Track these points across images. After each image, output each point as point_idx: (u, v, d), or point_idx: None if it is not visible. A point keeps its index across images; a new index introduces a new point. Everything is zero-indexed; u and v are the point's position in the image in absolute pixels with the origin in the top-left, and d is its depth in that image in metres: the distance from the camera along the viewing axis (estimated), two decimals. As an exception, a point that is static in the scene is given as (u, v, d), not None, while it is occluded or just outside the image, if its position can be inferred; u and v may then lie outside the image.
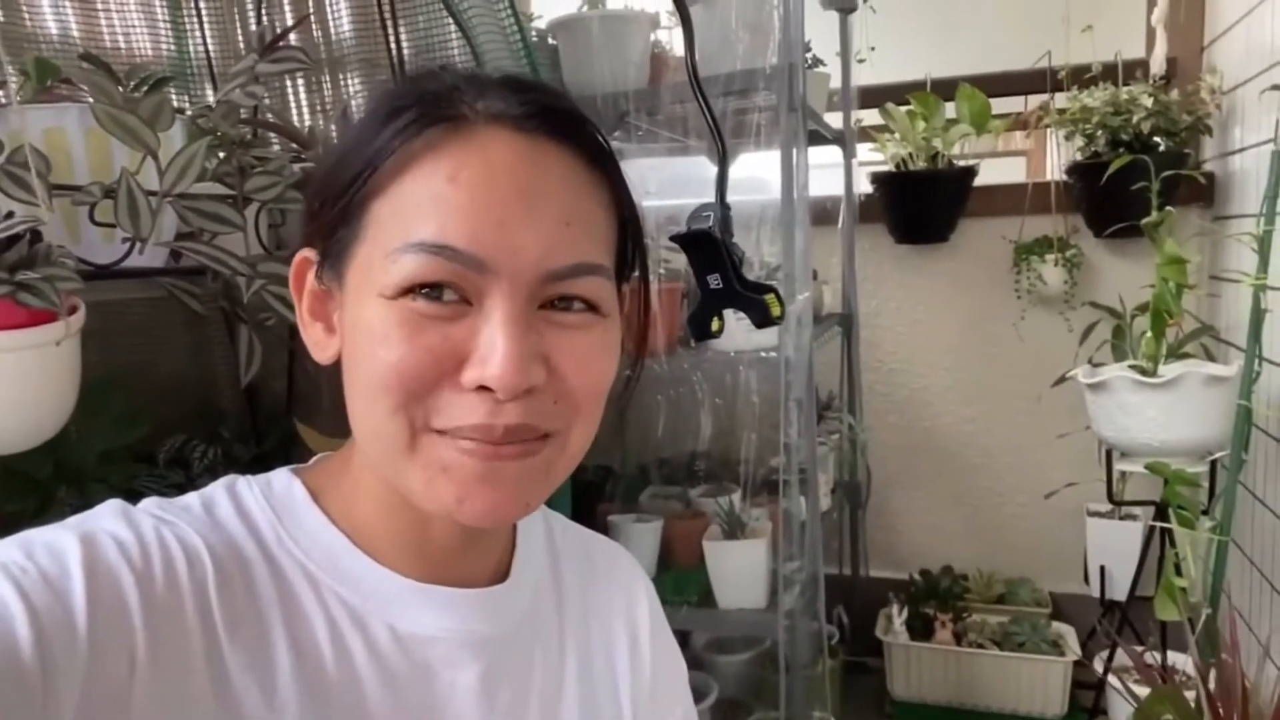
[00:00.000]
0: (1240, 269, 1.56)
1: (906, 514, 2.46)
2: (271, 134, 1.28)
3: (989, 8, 3.19)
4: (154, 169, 0.88)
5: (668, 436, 1.82)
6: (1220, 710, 1.35)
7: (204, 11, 1.40)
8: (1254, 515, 1.77)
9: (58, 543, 0.47)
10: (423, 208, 0.49)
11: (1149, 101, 1.95)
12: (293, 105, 1.49)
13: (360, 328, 0.51)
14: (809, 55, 1.81)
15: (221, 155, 1.00)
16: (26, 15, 1.26)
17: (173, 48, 1.40)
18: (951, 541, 2.43)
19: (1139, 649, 1.78)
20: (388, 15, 1.36)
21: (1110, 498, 1.84)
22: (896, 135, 2.21)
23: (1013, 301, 2.27)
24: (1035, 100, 2.24)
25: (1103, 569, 1.98)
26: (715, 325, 0.89)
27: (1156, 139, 1.97)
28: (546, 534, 0.68)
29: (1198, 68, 2.11)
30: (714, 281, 0.87)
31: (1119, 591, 1.94)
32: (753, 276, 1.05)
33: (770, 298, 0.86)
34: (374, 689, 0.53)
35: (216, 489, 0.57)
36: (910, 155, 2.20)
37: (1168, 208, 1.66)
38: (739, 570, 1.66)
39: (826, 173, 2.20)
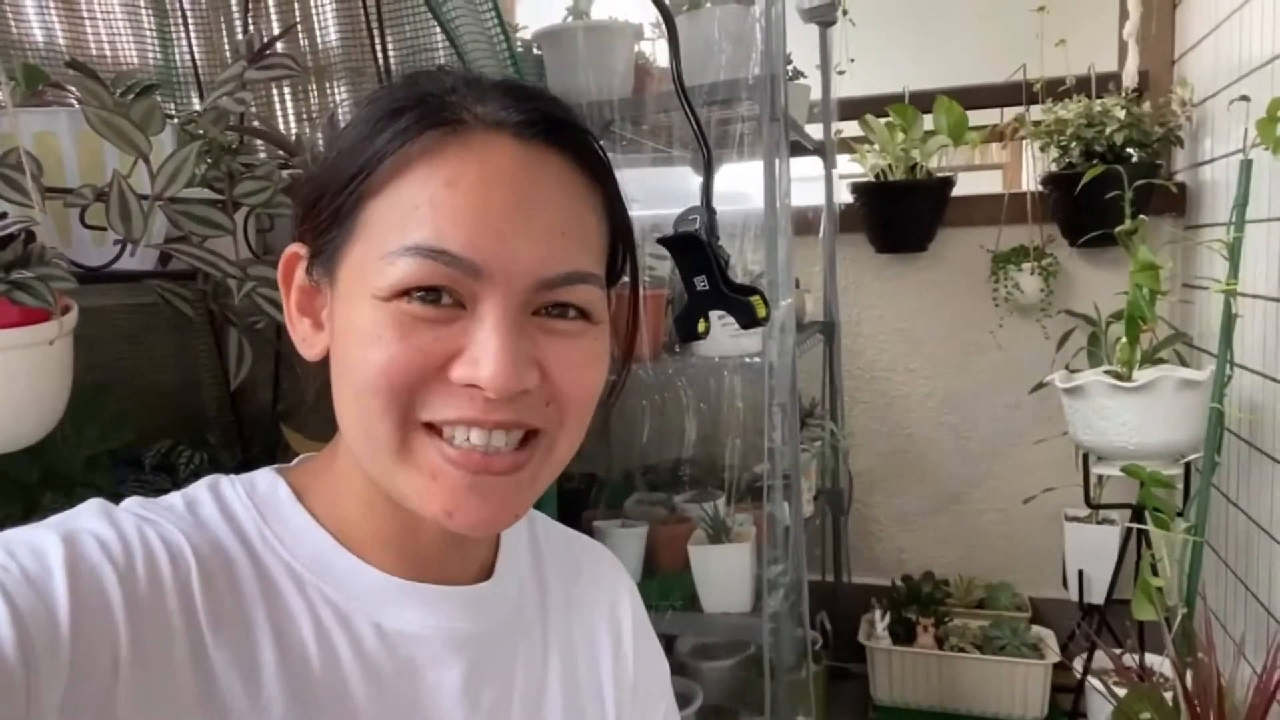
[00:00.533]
0: (1212, 276, 1.60)
1: (888, 520, 2.49)
2: (258, 141, 1.29)
3: (966, 22, 3.24)
4: (144, 174, 0.89)
5: (653, 442, 1.83)
6: (1197, 708, 1.38)
7: (190, 19, 1.40)
8: (1227, 517, 1.80)
9: (39, 542, 0.46)
10: (420, 211, 0.49)
11: (1121, 113, 1.99)
12: (279, 113, 1.50)
13: (352, 328, 0.51)
14: (790, 67, 1.84)
15: (210, 161, 1.01)
16: (13, 23, 1.26)
17: (159, 56, 1.40)
18: (932, 547, 2.45)
19: (1118, 651, 1.80)
20: (375, 23, 1.37)
21: (1088, 501, 1.86)
22: (876, 146, 2.25)
23: (991, 310, 2.30)
24: (1011, 113, 2.28)
25: (1081, 573, 2.01)
26: (702, 327, 0.90)
27: (1129, 150, 2.01)
28: (530, 533, 0.68)
29: (1169, 80, 2.16)
30: (700, 283, 0.88)
31: (1097, 595, 1.97)
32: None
33: (756, 299, 0.87)
34: (359, 687, 0.54)
35: (199, 488, 0.56)
36: (889, 166, 2.23)
37: (1140, 216, 1.69)
38: (724, 575, 1.67)
39: (807, 184, 2.23)
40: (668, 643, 1.98)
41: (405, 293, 0.49)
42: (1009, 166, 3.16)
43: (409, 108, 0.51)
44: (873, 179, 2.28)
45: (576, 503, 1.85)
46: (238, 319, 1.07)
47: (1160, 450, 1.65)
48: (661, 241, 0.89)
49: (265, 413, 1.35)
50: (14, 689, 0.41)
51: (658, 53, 1.85)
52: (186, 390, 1.37)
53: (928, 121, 2.21)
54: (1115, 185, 1.74)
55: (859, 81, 2.31)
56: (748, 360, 1.63)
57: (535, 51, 1.76)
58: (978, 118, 2.25)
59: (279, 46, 1.26)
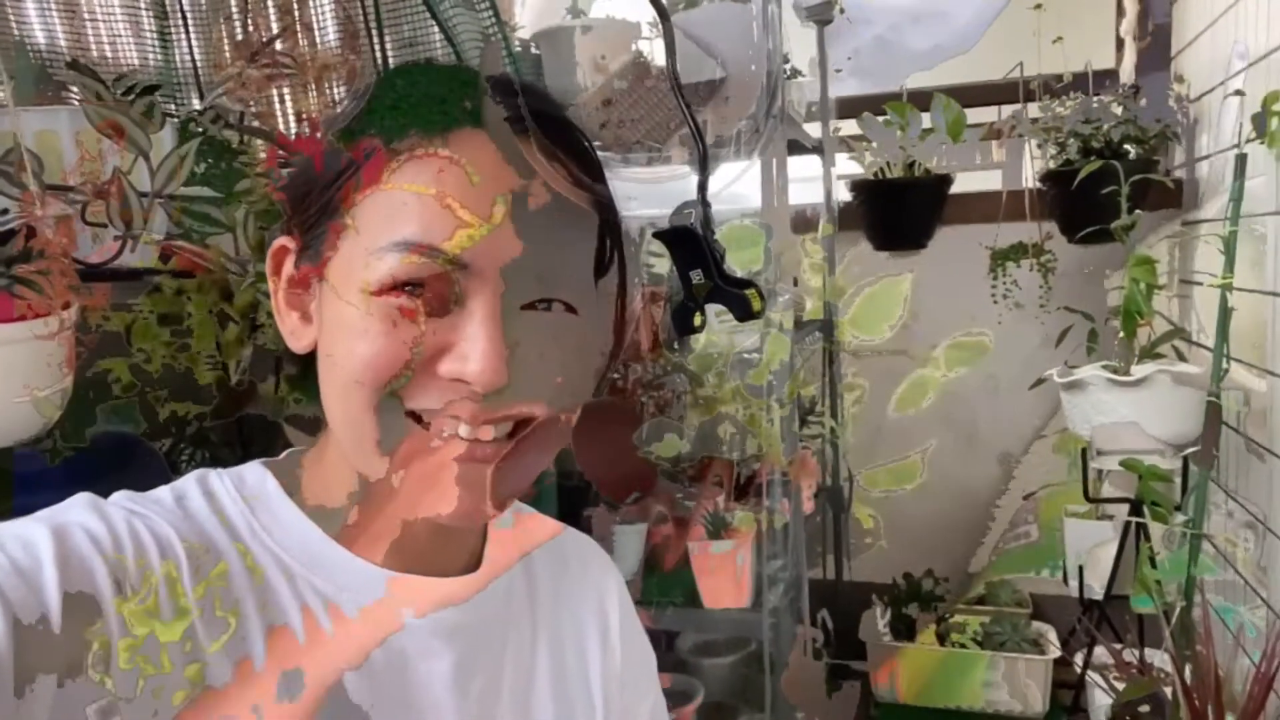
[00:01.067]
0: (1209, 271, 1.60)
1: (888, 518, 2.49)
2: (257, 140, 1.29)
3: (963, 21, 3.24)
4: (144, 172, 0.89)
5: (652, 439, 1.84)
6: (1196, 701, 1.38)
7: (190, 19, 1.41)
8: (1226, 509, 1.80)
9: (29, 534, 0.47)
10: (409, 206, 0.50)
11: (1118, 110, 1.99)
12: (278, 112, 1.50)
13: (340, 322, 0.51)
14: (787, 66, 1.85)
15: (210, 160, 1.02)
16: (14, 24, 1.27)
17: (159, 57, 1.41)
18: (933, 543, 2.46)
19: (1117, 646, 1.81)
20: (372, 24, 1.38)
21: (1087, 496, 1.87)
22: (874, 144, 2.25)
23: (990, 306, 2.30)
24: (1009, 110, 2.29)
25: (1081, 569, 2.01)
26: (698, 320, 0.91)
27: (1126, 146, 2.01)
28: (518, 524, 0.69)
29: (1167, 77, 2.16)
30: (696, 277, 0.89)
31: (1096, 591, 1.97)
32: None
33: (751, 292, 0.88)
34: (351, 678, 0.54)
35: (188, 482, 0.57)
36: (887, 164, 2.24)
37: (1137, 211, 1.70)
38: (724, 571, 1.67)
39: (805, 183, 2.24)
40: (668, 640, 1.98)
41: (393, 287, 0.49)
42: (1007, 166, 3.16)
43: (397, 102, 0.52)
44: (871, 177, 2.28)
45: (575, 501, 1.85)
46: (239, 316, 1.08)
47: (1158, 444, 1.65)
48: (658, 235, 0.89)
49: (265, 412, 1.35)
50: (4, 680, 0.41)
51: (655, 52, 1.85)
52: (187, 388, 1.38)
53: (926, 119, 2.21)
54: (1112, 180, 1.74)
55: (858, 80, 2.31)
56: (746, 356, 1.63)
57: (534, 51, 1.77)
58: (976, 115, 2.26)
59: (278, 46, 1.27)
